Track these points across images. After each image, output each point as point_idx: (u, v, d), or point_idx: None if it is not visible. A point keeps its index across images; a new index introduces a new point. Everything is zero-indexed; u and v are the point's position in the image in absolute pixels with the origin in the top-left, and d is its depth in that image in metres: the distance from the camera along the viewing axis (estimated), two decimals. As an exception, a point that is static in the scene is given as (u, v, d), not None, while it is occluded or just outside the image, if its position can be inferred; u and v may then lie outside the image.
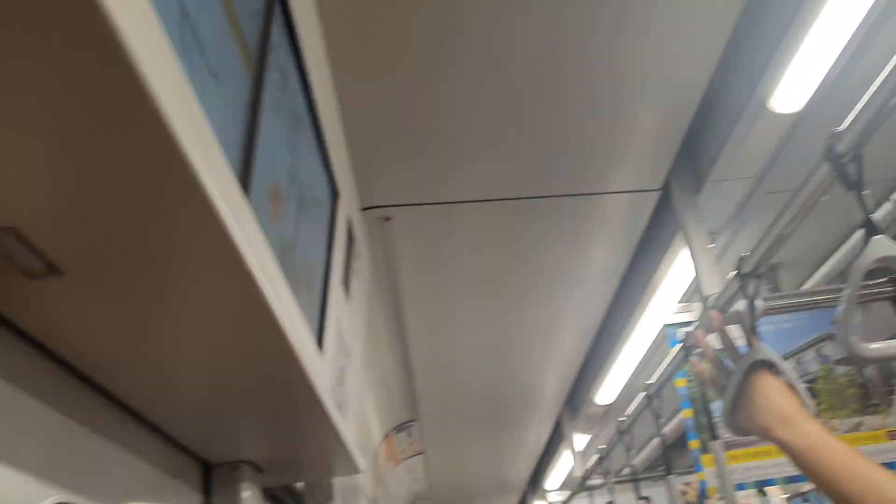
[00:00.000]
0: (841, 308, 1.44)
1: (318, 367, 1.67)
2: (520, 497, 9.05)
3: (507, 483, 8.45)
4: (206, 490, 1.98)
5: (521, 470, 7.83)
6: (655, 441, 5.17)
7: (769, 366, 1.45)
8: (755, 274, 1.94)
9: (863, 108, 1.52)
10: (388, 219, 2.68)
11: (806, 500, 4.28)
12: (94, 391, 1.41)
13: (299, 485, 2.75)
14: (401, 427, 5.26)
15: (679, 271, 3.18)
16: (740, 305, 1.71)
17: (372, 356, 3.17)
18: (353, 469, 2.31)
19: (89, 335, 1.21)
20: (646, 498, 4.38)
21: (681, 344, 2.97)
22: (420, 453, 5.93)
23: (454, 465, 7.00)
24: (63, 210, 0.87)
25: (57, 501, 1.22)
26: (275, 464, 2.12)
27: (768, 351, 1.46)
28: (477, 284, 3.51)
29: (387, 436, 5.11)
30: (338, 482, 2.68)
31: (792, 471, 2.38)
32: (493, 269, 3.38)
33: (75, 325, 1.17)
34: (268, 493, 2.29)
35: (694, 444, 3.28)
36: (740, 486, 2.76)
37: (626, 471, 4.82)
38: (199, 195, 0.86)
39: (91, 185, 0.83)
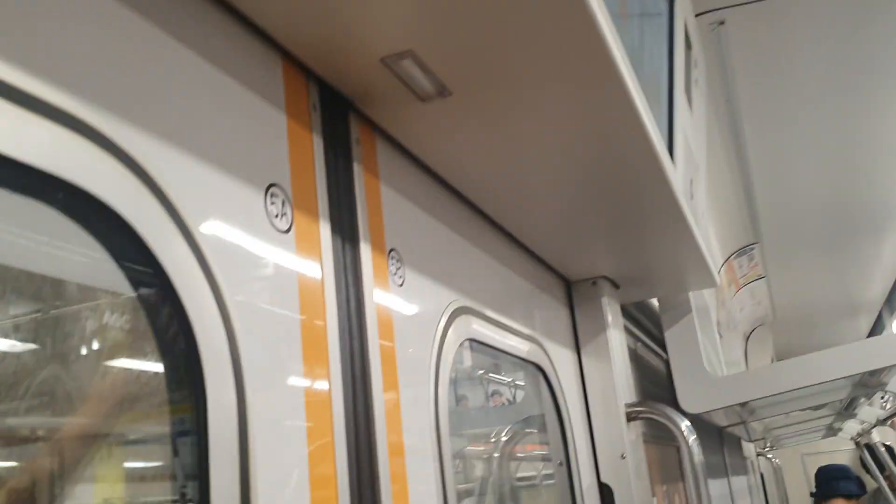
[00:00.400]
0: None
1: (673, 176, 1.67)
2: (874, 319, 8.45)
3: (858, 304, 7.91)
4: (570, 304, 2.12)
5: (875, 290, 7.27)
6: None
7: None
8: None
9: None
10: (721, 23, 2.51)
11: None
12: (477, 213, 1.55)
13: (655, 306, 2.83)
14: (741, 251, 5.11)
15: None
16: None
17: (710, 175, 3.07)
18: (708, 281, 2.31)
19: (468, 155, 1.32)
20: None
21: None
22: (761, 277, 5.74)
23: (798, 288, 6.69)
24: (454, 32, 0.94)
25: (459, 305, 1.39)
26: (630, 279, 2.19)
27: None
28: (820, 87, 3.19)
29: (727, 260, 5.01)
30: (692, 300, 2.70)
31: None
32: (840, 67, 3.04)
33: (455, 145, 1.28)
34: (624, 311, 2.38)
35: None
36: None
37: None
38: (576, -9, 0.87)
39: (478, 4, 0.88)
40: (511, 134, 1.25)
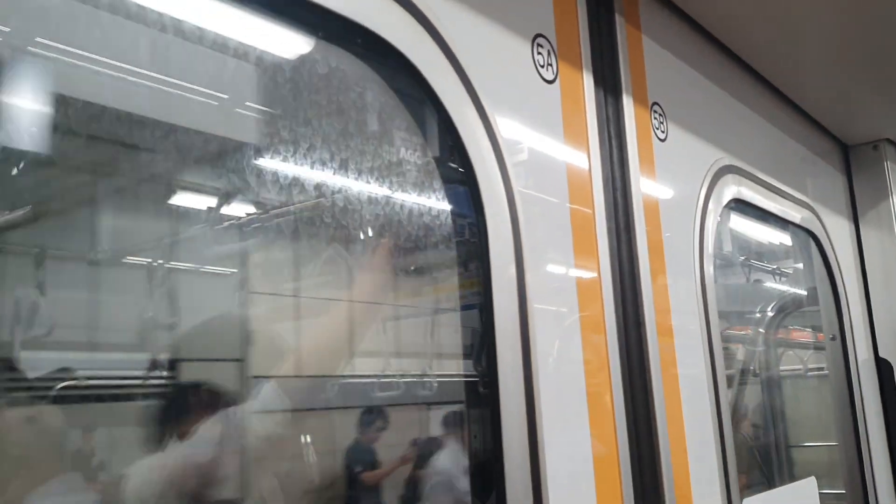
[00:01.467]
0: None
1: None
2: None
3: None
4: (847, 171, 1.96)
5: None
6: None
7: None
8: None
9: None
10: None
11: None
12: (744, 68, 1.47)
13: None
14: None
15: None
16: None
17: None
18: None
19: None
20: None
21: None
22: None
23: None
24: None
25: (725, 164, 1.35)
26: (919, 141, 1.98)
27: None
28: None
29: None
30: None
31: None
32: None
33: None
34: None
35: None
36: None
37: None
38: None
39: None
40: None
